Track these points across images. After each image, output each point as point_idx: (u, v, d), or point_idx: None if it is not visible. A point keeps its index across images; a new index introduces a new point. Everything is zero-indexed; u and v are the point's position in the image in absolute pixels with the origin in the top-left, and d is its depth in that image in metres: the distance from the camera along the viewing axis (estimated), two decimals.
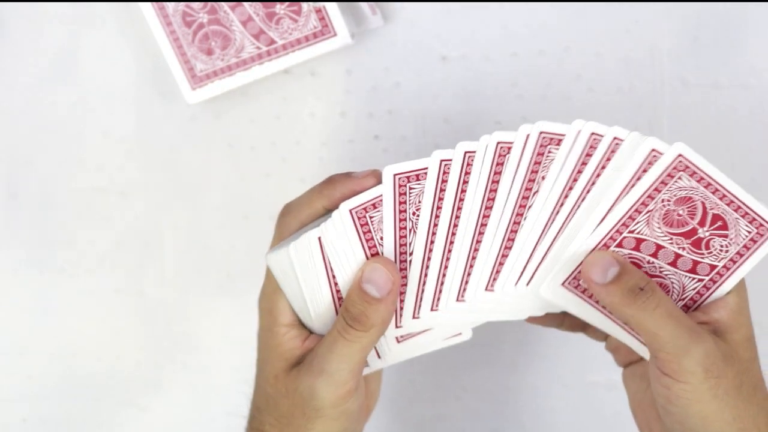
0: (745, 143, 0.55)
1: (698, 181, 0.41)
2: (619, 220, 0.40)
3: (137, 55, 0.55)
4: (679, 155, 0.40)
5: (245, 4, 0.51)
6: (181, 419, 0.64)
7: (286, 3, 0.51)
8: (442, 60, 0.54)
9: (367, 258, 0.41)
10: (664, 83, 0.54)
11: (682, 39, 0.53)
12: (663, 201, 0.40)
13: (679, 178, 0.40)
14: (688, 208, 0.41)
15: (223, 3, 0.51)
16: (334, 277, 0.42)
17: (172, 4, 0.51)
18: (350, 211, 0.41)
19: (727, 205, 0.41)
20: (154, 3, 0.51)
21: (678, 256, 0.41)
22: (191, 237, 0.59)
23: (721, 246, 0.41)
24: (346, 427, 0.42)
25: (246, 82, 0.53)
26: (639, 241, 0.41)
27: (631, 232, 0.40)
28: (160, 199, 0.58)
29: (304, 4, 0.51)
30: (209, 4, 0.51)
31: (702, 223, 0.41)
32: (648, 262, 0.41)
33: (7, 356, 0.62)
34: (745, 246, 0.41)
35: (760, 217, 0.41)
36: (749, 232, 0.41)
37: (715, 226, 0.41)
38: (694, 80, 0.54)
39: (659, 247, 0.41)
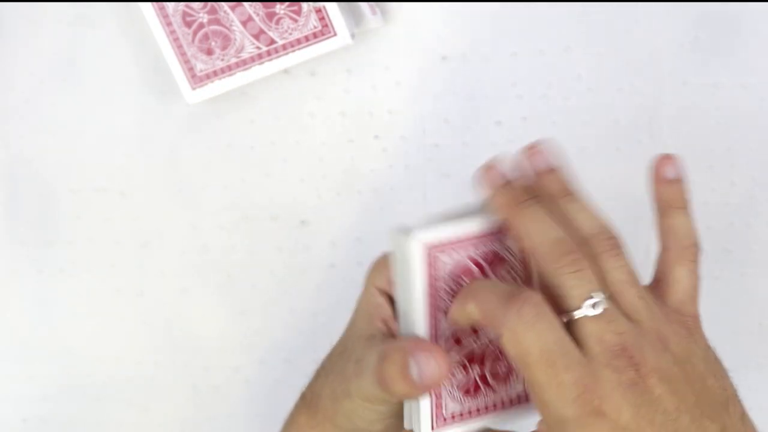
0: (746, 143, 0.55)
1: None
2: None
3: (137, 55, 0.55)
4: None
5: (245, 4, 0.51)
6: (181, 419, 0.64)
7: (286, 3, 0.51)
8: (442, 60, 0.54)
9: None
10: (665, 83, 0.54)
11: (682, 39, 0.53)
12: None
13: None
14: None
15: (223, 3, 0.51)
16: (432, 287, 0.37)
17: (172, 4, 0.51)
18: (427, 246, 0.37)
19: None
20: (154, 3, 0.51)
21: None
22: (191, 237, 0.59)
23: None
24: (367, 427, 0.41)
25: (246, 82, 0.53)
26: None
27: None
28: (160, 199, 0.58)
29: (304, 4, 0.51)
30: (209, 4, 0.51)
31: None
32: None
33: (6, 356, 0.62)
34: None
35: None
36: None
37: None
38: (694, 80, 0.54)
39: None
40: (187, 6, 0.51)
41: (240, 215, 0.58)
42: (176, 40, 0.52)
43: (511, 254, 0.40)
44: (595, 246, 0.41)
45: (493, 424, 0.40)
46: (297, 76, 0.55)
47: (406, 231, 0.37)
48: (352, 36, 0.52)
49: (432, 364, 0.36)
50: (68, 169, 0.58)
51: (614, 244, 0.42)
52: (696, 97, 0.54)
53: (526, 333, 0.34)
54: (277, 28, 0.52)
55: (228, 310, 0.61)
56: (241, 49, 0.52)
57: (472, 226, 0.38)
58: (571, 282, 0.37)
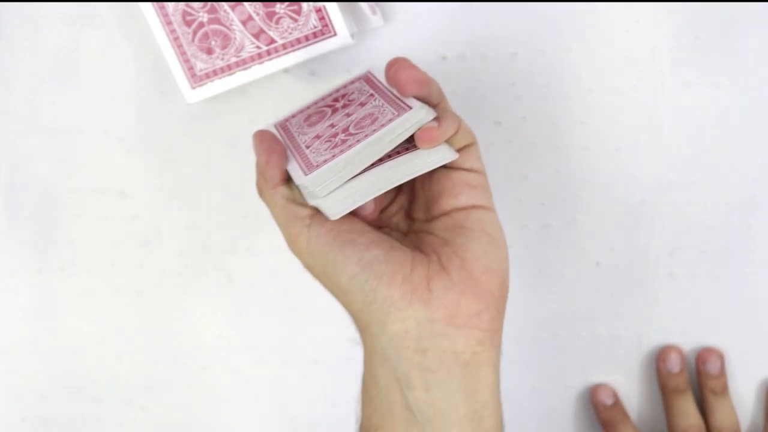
0: (746, 143, 0.55)
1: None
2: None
3: (137, 55, 0.55)
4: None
5: (245, 3, 0.51)
6: (181, 419, 0.64)
7: (286, 2, 0.51)
8: (442, 60, 0.54)
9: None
10: (665, 83, 0.54)
11: (682, 39, 0.53)
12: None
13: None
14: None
15: (223, 2, 0.51)
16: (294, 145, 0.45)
17: (172, 3, 0.51)
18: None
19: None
20: (154, 3, 0.51)
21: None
22: (191, 237, 0.59)
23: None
24: (335, 258, 0.42)
25: (246, 81, 0.53)
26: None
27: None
28: (160, 199, 0.58)
29: (304, 4, 0.51)
30: (209, 3, 0.51)
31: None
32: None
33: (6, 356, 0.62)
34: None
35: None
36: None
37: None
38: (694, 80, 0.54)
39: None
40: (187, 5, 0.51)
41: (240, 215, 0.58)
42: (176, 39, 0.52)
43: (355, 89, 0.48)
44: None
45: (374, 148, 0.41)
46: (297, 76, 0.55)
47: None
48: (352, 36, 0.52)
49: (256, 146, 0.45)
50: (68, 169, 0.58)
51: None
52: (696, 97, 0.54)
53: None
54: (277, 28, 0.52)
55: (228, 310, 0.61)
56: (241, 49, 0.52)
57: (313, 99, 0.49)
58: None
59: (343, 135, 0.43)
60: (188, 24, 0.52)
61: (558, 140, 0.56)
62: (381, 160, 0.41)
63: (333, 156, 0.41)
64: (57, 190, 0.59)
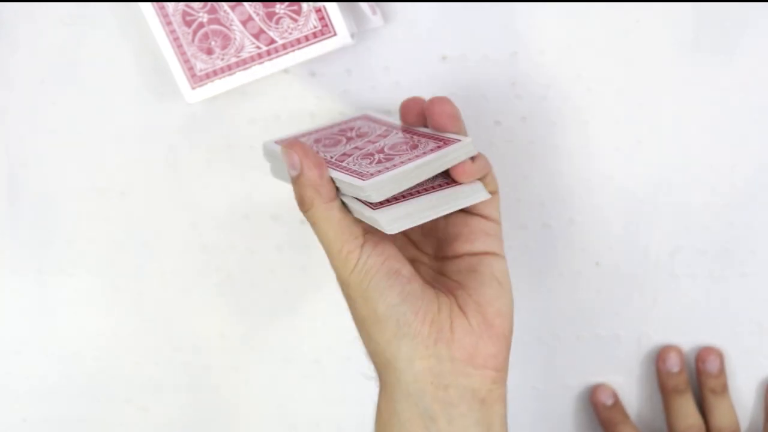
0: (746, 142, 0.55)
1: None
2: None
3: (137, 55, 0.55)
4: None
5: (245, 3, 0.51)
6: (181, 419, 0.64)
7: (286, 3, 0.51)
8: (442, 60, 0.54)
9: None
10: (665, 82, 0.54)
11: (682, 38, 0.53)
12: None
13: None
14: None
15: (223, 2, 0.51)
16: None
17: (172, 3, 0.51)
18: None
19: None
20: (154, 3, 0.51)
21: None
22: (191, 237, 0.59)
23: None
24: (383, 297, 0.43)
25: (246, 81, 0.53)
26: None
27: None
28: (160, 199, 0.58)
29: (304, 4, 0.51)
30: (209, 3, 0.51)
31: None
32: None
33: (6, 356, 0.62)
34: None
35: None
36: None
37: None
38: (694, 80, 0.54)
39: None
40: (187, 5, 0.51)
41: (240, 215, 0.58)
42: (176, 39, 0.52)
43: (363, 124, 0.49)
44: None
45: (430, 167, 0.43)
46: (297, 76, 0.55)
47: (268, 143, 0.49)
48: (352, 36, 0.52)
49: (290, 155, 0.43)
50: (68, 169, 0.58)
51: None
52: (695, 98, 0.54)
53: None
54: (277, 28, 0.52)
55: (228, 310, 0.61)
56: (240, 49, 0.52)
57: (313, 127, 0.50)
58: None
59: (382, 155, 0.44)
60: (188, 24, 0.52)
61: (558, 140, 0.56)
62: (427, 190, 0.43)
63: (387, 168, 0.42)
64: (57, 190, 0.59)
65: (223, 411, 0.63)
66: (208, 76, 0.53)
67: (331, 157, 0.45)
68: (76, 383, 0.63)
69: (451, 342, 0.42)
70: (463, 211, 0.46)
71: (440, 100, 0.46)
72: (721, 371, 0.59)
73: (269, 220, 0.58)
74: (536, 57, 0.54)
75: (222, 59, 0.52)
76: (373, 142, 0.46)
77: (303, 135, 0.50)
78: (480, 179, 0.45)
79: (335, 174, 0.43)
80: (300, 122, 0.56)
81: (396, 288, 0.42)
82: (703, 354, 0.59)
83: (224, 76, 0.53)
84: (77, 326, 0.61)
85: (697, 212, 0.57)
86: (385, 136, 0.47)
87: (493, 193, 0.46)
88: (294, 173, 0.43)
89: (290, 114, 0.56)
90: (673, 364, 0.59)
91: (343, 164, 0.44)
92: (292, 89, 0.55)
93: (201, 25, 0.52)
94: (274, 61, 0.52)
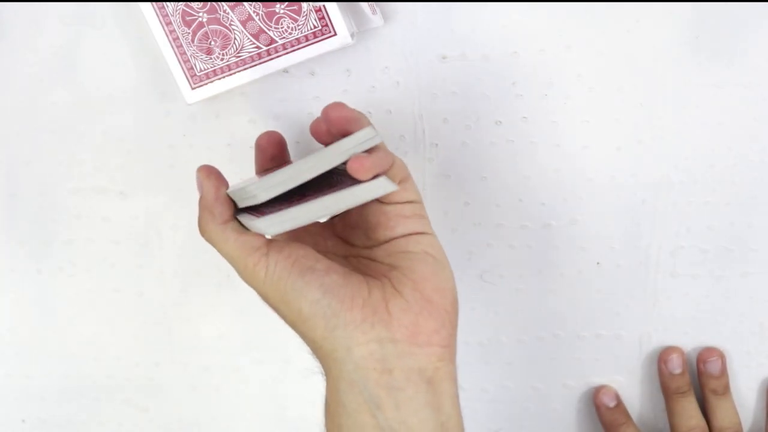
0: (747, 142, 0.55)
1: None
2: None
3: (137, 55, 0.55)
4: None
5: (245, 3, 0.51)
6: (181, 419, 0.64)
7: (286, 2, 0.51)
8: (442, 60, 0.54)
9: None
10: (665, 82, 0.54)
11: (682, 38, 0.53)
12: None
13: None
14: None
15: (222, 3, 0.51)
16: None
17: (172, 3, 0.51)
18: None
19: None
20: (154, 3, 0.51)
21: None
22: (191, 237, 0.59)
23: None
24: (294, 290, 0.42)
25: (246, 81, 0.53)
26: None
27: None
28: (159, 198, 0.58)
29: (304, 4, 0.51)
30: (209, 3, 0.51)
31: None
32: None
33: (6, 356, 0.62)
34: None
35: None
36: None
37: None
38: (694, 80, 0.54)
39: None
40: (186, 6, 0.51)
41: None
42: (176, 39, 0.52)
43: None
44: None
45: (316, 167, 0.42)
46: (297, 76, 0.55)
47: None
48: (352, 36, 0.52)
49: (202, 179, 0.45)
50: (68, 169, 0.58)
51: None
52: (696, 97, 0.54)
53: None
54: (276, 28, 0.51)
55: (228, 310, 0.61)
56: (240, 49, 0.52)
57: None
58: None
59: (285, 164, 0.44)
60: (188, 24, 0.52)
61: (558, 140, 0.56)
62: (323, 192, 0.42)
63: (278, 166, 0.42)
64: (57, 190, 0.59)
65: (223, 411, 0.63)
66: (208, 76, 0.53)
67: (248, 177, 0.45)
68: (76, 383, 0.63)
69: (389, 323, 0.41)
70: (377, 200, 0.44)
71: (333, 107, 0.44)
72: (723, 372, 0.59)
73: None
74: (536, 57, 0.54)
75: (222, 59, 0.52)
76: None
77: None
78: (384, 172, 0.43)
79: (234, 187, 0.43)
80: (300, 122, 0.56)
81: (314, 284, 0.41)
82: (704, 355, 0.59)
83: (224, 76, 0.53)
84: (77, 326, 0.61)
85: (698, 212, 0.57)
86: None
87: (404, 179, 0.44)
88: (199, 196, 0.44)
89: (290, 114, 0.56)
90: (676, 365, 0.59)
91: (248, 178, 0.43)
92: (292, 89, 0.55)
93: (201, 25, 0.52)
94: (274, 61, 0.52)
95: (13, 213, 0.59)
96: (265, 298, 0.43)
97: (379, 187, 0.42)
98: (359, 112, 0.44)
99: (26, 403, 0.63)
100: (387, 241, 0.44)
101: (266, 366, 0.62)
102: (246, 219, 0.42)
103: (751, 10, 0.53)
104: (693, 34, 0.53)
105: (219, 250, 0.43)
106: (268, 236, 0.41)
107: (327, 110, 0.43)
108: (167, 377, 0.62)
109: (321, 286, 0.41)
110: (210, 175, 0.44)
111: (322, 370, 0.44)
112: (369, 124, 0.44)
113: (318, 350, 0.43)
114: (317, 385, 0.62)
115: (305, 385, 0.62)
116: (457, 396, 0.43)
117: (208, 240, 0.43)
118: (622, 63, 0.54)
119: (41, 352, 0.62)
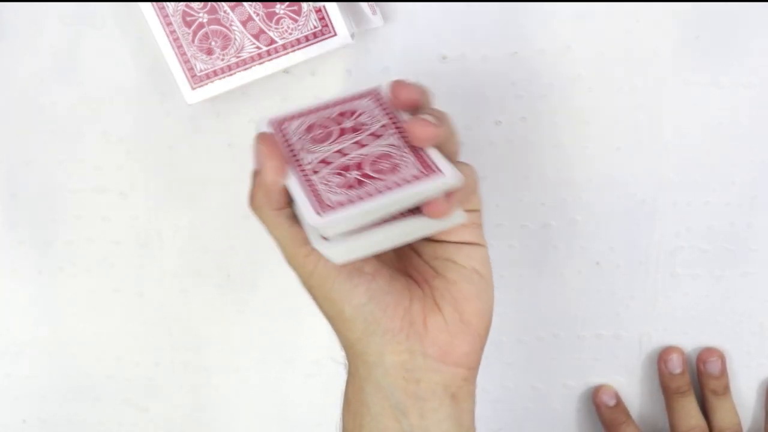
0: (747, 143, 0.55)
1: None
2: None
3: (137, 55, 0.55)
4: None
5: (245, 3, 0.51)
6: (181, 419, 0.64)
7: (286, 3, 0.51)
8: (442, 60, 0.54)
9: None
10: (665, 83, 0.54)
11: (683, 38, 0.53)
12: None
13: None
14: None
15: (223, 3, 0.51)
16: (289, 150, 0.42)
17: (172, 4, 0.51)
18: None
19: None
20: (154, 3, 0.51)
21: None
22: (191, 237, 0.59)
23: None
24: (350, 304, 0.41)
25: (246, 81, 0.53)
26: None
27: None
28: (159, 199, 0.58)
29: (304, 4, 0.51)
30: (209, 4, 0.51)
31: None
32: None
33: (6, 356, 0.62)
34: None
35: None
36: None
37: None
38: (695, 80, 0.54)
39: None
40: (187, 6, 0.51)
41: (240, 215, 0.58)
42: (176, 40, 0.52)
43: (364, 108, 0.43)
44: None
45: (398, 204, 0.39)
46: (297, 76, 0.55)
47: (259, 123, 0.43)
48: (352, 36, 0.52)
49: (259, 148, 0.40)
50: (68, 169, 0.58)
51: None
52: (696, 97, 0.54)
53: None
54: (277, 28, 0.52)
55: (228, 310, 0.61)
56: (241, 49, 0.52)
57: (315, 102, 0.43)
58: None
59: (358, 173, 0.40)
60: (188, 24, 0.52)
61: (558, 140, 0.56)
62: (390, 220, 0.40)
63: (350, 200, 0.38)
64: (57, 190, 0.59)
65: (223, 411, 0.63)
66: (208, 76, 0.53)
67: (308, 163, 0.41)
68: (76, 383, 0.63)
69: (424, 338, 0.41)
70: None
71: (403, 89, 0.42)
72: (723, 372, 0.59)
73: None
74: (536, 57, 0.54)
75: (222, 59, 0.52)
76: (361, 145, 0.42)
77: (301, 114, 0.44)
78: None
79: (295, 190, 0.39)
80: None
81: (361, 287, 0.41)
82: (704, 355, 0.59)
83: (224, 77, 0.53)
84: (77, 326, 0.61)
85: (698, 212, 0.57)
86: (378, 136, 0.42)
87: (475, 211, 0.43)
88: (256, 167, 0.41)
89: None
90: (676, 365, 0.59)
91: (316, 176, 0.40)
92: (292, 89, 0.55)
93: (201, 26, 0.52)
94: (274, 61, 0.52)
95: (14, 213, 0.59)
96: (309, 288, 0.42)
97: (452, 221, 0.41)
98: (428, 94, 0.43)
99: (26, 403, 0.63)
100: (438, 242, 0.43)
101: (266, 366, 0.62)
102: (311, 232, 0.40)
103: (751, 10, 0.53)
104: (693, 34, 0.53)
105: (267, 231, 0.42)
106: (336, 263, 0.40)
107: (397, 91, 0.42)
108: (167, 377, 0.62)
109: (367, 291, 0.41)
110: (273, 155, 0.40)
111: (347, 364, 0.44)
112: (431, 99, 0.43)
113: (350, 348, 0.43)
114: (317, 386, 0.62)
115: (305, 385, 0.62)
116: (473, 413, 0.44)
117: (258, 216, 0.42)
118: (622, 63, 0.54)
119: (41, 352, 0.62)
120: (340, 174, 0.40)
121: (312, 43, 0.52)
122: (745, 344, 0.60)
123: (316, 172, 0.40)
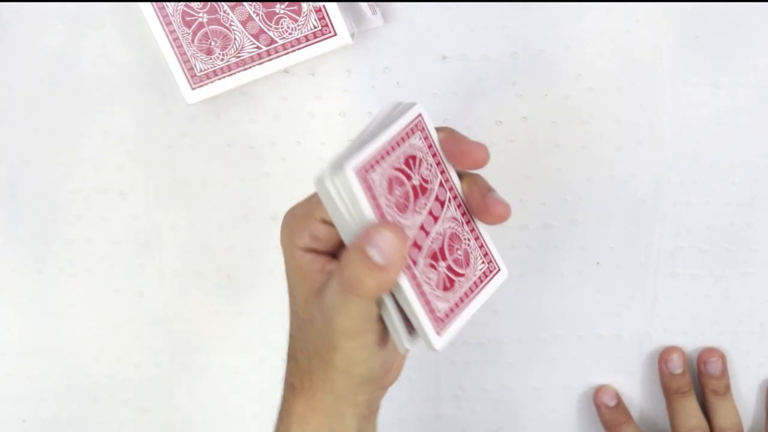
0: (746, 142, 0.55)
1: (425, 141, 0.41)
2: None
3: (137, 55, 0.55)
4: (419, 115, 0.40)
5: (245, 3, 0.51)
6: (181, 419, 0.64)
7: (286, 3, 0.51)
8: (442, 60, 0.54)
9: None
10: (665, 82, 0.54)
11: (682, 38, 0.53)
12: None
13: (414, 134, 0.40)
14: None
15: (223, 3, 0.51)
16: (377, 206, 0.37)
17: (172, 4, 0.51)
18: (355, 170, 0.36)
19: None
20: (154, 3, 0.51)
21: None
22: (191, 237, 0.59)
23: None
24: (367, 367, 0.40)
25: (246, 81, 0.53)
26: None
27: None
28: (159, 199, 0.58)
29: (304, 4, 0.51)
30: (209, 4, 0.51)
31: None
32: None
33: (6, 356, 0.62)
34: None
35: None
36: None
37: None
38: (694, 79, 0.54)
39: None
40: (186, 6, 0.51)
41: (240, 215, 0.58)
42: (176, 40, 0.52)
43: (421, 153, 0.41)
44: None
45: (480, 304, 0.42)
46: (297, 76, 0.55)
47: (334, 167, 0.37)
48: (352, 36, 0.52)
49: (387, 236, 0.35)
50: (68, 169, 0.58)
51: None
52: (696, 97, 0.54)
53: None
54: (276, 28, 0.52)
55: (228, 310, 0.61)
56: (240, 49, 0.52)
57: (383, 138, 0.38)
58: None
59: (444, 265, 0.40)
60: (188, 24, 0.52)
61: (558, 140, 0.56)
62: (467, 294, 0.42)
63: (452, 310, 0.40)
64: (57, 190, 0.59)
65: (223, 411, 0.63)
66: (208, 76, 0.53)
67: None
68: (76, 383, 0.63)
69: (391, 382, 0.44)
70: None
71: (477, 153, 0.41)
72: (723, 372, 0.59)
73: (268, 221, 0.58)
74: (536, 57, 0.54)
75: (222, 59, 0.52)
76: (435, 218, 0.40)
77: (374, 159, 0.38)
78: None
79: (410, 295, 0.37)
80: (300, 122, 0.56)
81: (362, 349, 0.40)
82: (704, 355, 0.59)
83: (224, 77, 0.53)
84: (77, 326, 0.61)
85: (698, 212, 0.57)
86: (442, 203, 0.41)
87: None
88: (373, 260, 0.35)
89: (290, 114, 0.56)
90: (676, 365, 0.59)
91: (416, 274, 0.38)
92: (292, 89, 0.55)
93: (201, 26, 0.52)
94: (274, 61, 0.52)
95: (14, 213, 0.59)
96: (333, 349, 0.40)
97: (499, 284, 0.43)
98: (485, 152, 0.42)
99: (26, 403, 0.63)
100: None
101: (266, 366, 0.62)
102: (395, 317, 0.39)
103: (751, 10, 0.53)
104: (693, 34, 0.53)
105: (332, 306, 0.39)
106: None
107: (465, 151, 0.41)
108: (167, 377, 0.62)
109: (366, 361, 0.40)
110: (403, 254, 0.36)
111: (303, 384, 0.44)
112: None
113: (323, 383, 0.42)
114: None
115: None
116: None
117: (342, 295, 0.38)
118: (622, 63, 0.54)
119: (41, 352, 0.62)
120: (433, 267, 0.39)
121: (312, 43, 0.52)
122: (745, 344, 0.60)
123: (415, 263, 0.38)
